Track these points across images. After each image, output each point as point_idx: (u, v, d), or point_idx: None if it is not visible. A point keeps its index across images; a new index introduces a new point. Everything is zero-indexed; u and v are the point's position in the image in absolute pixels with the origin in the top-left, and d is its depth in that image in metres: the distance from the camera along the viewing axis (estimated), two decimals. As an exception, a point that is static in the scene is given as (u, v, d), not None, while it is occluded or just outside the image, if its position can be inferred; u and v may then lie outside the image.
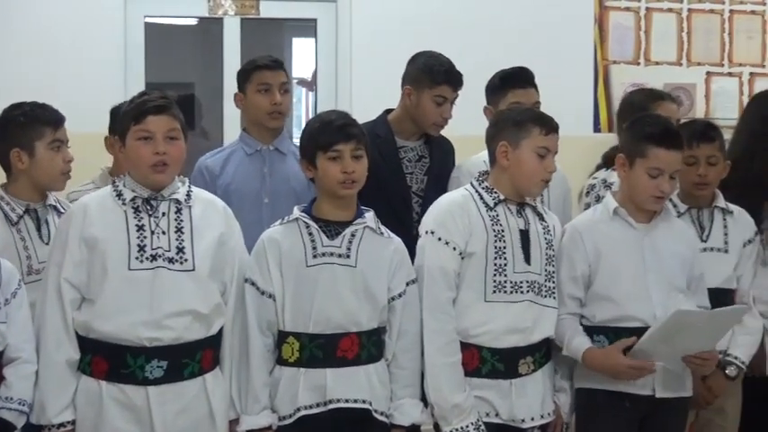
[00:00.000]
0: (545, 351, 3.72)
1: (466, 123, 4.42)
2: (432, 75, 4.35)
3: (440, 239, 3.60)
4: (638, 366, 3.59)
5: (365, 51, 6.11)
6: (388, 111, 4.51)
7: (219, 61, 6.25)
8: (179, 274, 3.39)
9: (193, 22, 6.83)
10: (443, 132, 4.57)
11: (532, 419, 3.65)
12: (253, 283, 3.51)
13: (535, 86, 4.46)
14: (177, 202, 3.47)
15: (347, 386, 3.47)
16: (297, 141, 4.07)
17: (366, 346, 3.52)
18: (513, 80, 4.44)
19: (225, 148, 4.55)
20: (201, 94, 6.73)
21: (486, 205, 3.66)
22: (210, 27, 6.48)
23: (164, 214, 3.44)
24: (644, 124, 3.79)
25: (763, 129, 4.41)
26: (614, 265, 3.73)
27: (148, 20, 6.21)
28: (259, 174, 4.39)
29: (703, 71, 6.58)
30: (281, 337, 3.51)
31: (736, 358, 3.97)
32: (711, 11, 6.60)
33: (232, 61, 6.00)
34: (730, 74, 6.62)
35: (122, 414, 3.35)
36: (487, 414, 3.61)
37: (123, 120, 3.47)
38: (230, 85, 4.81)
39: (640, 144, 3.71)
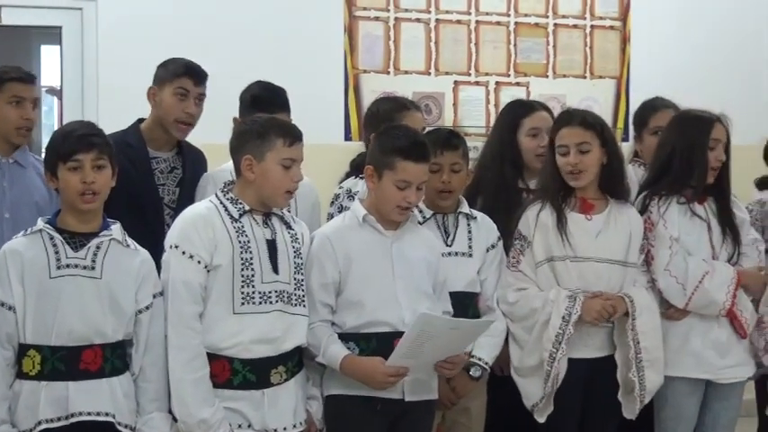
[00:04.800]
0: (297, 360, 3.73)
1: (217, 131, 4.39)
2: (170, 68, 4.36)
3: (184, 253, 3.57)
4: (394, 373, 3.65)
5: (112, 59, 5.99)
6: (141, 120, 4.45)
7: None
8: None
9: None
10: (196, 143, 4.55)
11: (285, 429, 3.65)
12: (-8, 295, 3.40)
13: (286, 110, 4.45)
14: None
15: (90, 399, 3.41)
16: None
17: (110, 359, 3.47)
18: (263, 103, 4.37)
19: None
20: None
21: (231, 217, 3.64)
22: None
23: None
24: (392, 137, 3.84)
25: (509, 136, 4.55)
26: (364, 272, 3.78)
27: None
28: (-3, 188, 4.24)
29: (451, 80, 6.72)
30: (22, 350, 3.42)
31: (480, 359, 4.06)
32: (458, 21, 6.75)
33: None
34: (477, 83, 6.78)
35: None
36: (240, 425, 3.60)
37: None
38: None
39: (388, 157, 3.76)
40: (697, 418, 4.35)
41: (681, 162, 4.32)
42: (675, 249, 4.25)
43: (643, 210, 4.31)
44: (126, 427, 3.50)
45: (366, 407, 3.75)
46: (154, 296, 3.57)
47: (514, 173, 4.51)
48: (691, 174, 4.30)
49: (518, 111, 4.62)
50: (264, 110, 4.19)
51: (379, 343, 3.73)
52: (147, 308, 3.55)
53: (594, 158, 4.13)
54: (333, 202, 4.41)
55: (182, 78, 4.33)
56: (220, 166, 4.32)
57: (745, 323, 4.29)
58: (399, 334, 3.69)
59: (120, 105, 5.05)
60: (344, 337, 3.75)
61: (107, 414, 3.44)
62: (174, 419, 3.57)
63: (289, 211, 3.98)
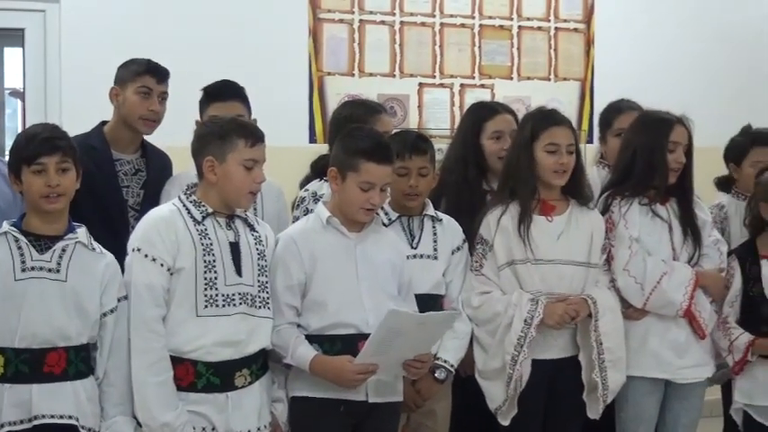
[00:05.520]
0: (262, 363, 3.73)
1: (181, 133, 4.38)
2: (132, 67, 4.38)
3: (146, 256, 3.56)
4: (362, 371, 3.65)
5: (75, 61, 5.95)
6: (104, 123, 4.45)
7: None
8: None
9: None
10: (159, 145, 4.54)
11: (249, 432, 3.66)
12: (-44, 299, 3.39)
13: (240, 99, 4.47)
14: None
15: (53, 402, 3.41)
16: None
17: (74, 362, 3.46)
18: (214, 94, 4.46)
19: None
20: None
21: (194, 219, 3.63)
22: None
23: None
24: (355, 138, 3.85)
25: (473, 139, 4.55)
26: (328, 274, 3.78)
27: None
28: (-43, 194, 4.22)
29: (416, 82, 6.71)
30: (-15, 353, 3.41)
31: (445, 362, 4.07)
32: (423, 24, 6.75)
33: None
34: (442, 85, 6.78)
35: None
36: (204, 429, 3.60)
37: None
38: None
39: (352, 158, 3.77)
40: (658, 419, 4.38)
41: (642, 163, 4.34)
42: (635, 249, 4.28)
43: (605, 210, 4.33)
44: (89, 430, 3.49)
45: (330, 409, 3.76)
46: (119, 300, 3.57)
47: (478, 175, 4.52)
48: (652, 175, 4.33)
49: (481, 113, 4.63)
50: (216, 101, 4.29)
51: (344, 345, 3.73)
52: (112, 311, 3.55)
53: (574, 160, 4.18)
54: (298, 205, 4.39)
55: (144, 77, 4.35)
56: (187, 168, 4.30)
57: (704, 324, 4.32)
58: (364, 336, 3.70)
59: (83, 107, 5.03)
60: (309, 339, 3.76)
61: (70, 417, 3.44)
62: (139, 424, 3.56)
63: (255, 213, 3.98)
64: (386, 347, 3.67)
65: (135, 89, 4.33)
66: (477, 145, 4.54)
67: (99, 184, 4.17)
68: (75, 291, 3.47)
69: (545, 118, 4.24)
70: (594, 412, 4.20)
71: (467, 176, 4.49)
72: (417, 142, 4.17)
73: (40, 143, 3.47)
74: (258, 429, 3.68)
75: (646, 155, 4.34)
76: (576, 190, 4.23)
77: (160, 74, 4.40)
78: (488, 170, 4.53)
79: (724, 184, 5.04)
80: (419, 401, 4.08)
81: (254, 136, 3.66)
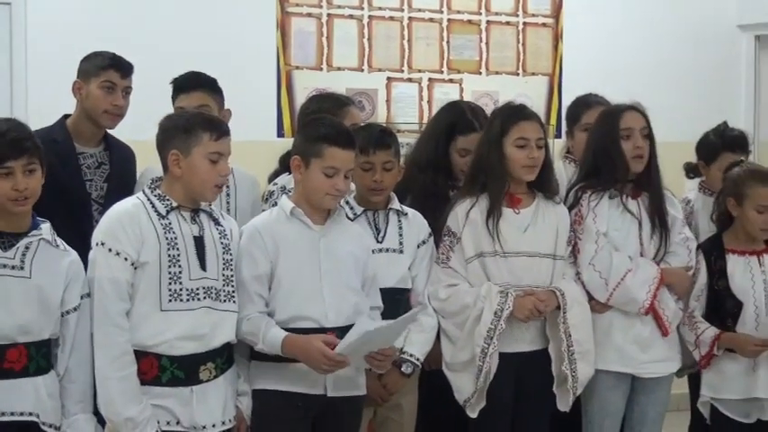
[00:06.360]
0: (227, 356, 3.71)
1: (146, 128, 4.35)
2: (96, 61, 4.35)
3: (110, 250, 3.54)
4: (331, 357, 3.62)
5: (41, 55, 5.92)
6: (67, 116, 4.42)
7: None
8: None
9: None
10: (124, 139, 4.52)
11: (214, 426, 3.64)
12: None
13: (206, 90, 4.46)
14: None
15: (13, 398, 3.38)
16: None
17: (35, 358, 3.44)
18: (179, 85, 4.46)
19: None
20: None
21: (159, 213, 3.61)
22: None
23: None
24: (317, 125, 3.87)
25: (444, 149, 4.52)
26: (291, 266, 3.77)
27: None
28: None
29: (384, 77, 6.71)
30: (-53, 347, 3.38)
31: (411, 356, 4.06)
32: (391, 18, 6.75)
33: None
34: (410, 79, 6.78)
35: None
36: (168, 422, 3.58)
37: None
38: None
39: (315, 145, 3.77)
40: (625, 412, 4.39)
41: (600, 155, 4.36)
42: (602, 244, 4.28)
43: (575, 203, 4.33)
44: (50, 426, 3.47)
45: (288, 402, 3.75)
46: (82, 297, 3.55)
47: (446, 182, 4.50)
48: (612, 165, 4.33)
49: (455, 127, 4.53)
50: (181, 92, 4.31)
51: None
52: (75, 309, 3.53)
53: (543, 154, 4.18)
54: (267, 199, 4.38)
55: (108, 71, 4.32)
56: (150, 162, 4.28)
57: (667, 321, 4.33)
58: (323, 330, 3.71)
59: (49, 101, 4.97)
60: None
61: (30, 414, 3.41)
62: (99, 421, 3.55)
63: (228, 204, 4.00)
64: (360, 348, 3.68)
65: (99, 83, 4.31)
66: (448, 154, 4.52)
67: (62, 177, 4.14)
68: (39, 287, 3.44)
69: (514, 113, 4.23)
70: (564, 404, 4.22)
71: (436, 181, 4.48)
72: (381, 137, 4.17)
73: (6, 146, 3.41)
74: (223, 423, 3.67)
75: (601, 146, 4.36)
76: (543, 184, 4.23)
77: (124, 68, 4.37)
78: (456, 178, 4.51)
79: (694, 170, 5.04)
80: (385, 396, 4.07)
81: (219, 129, 3.65)
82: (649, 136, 4.38)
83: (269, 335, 3.69)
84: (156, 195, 3.65)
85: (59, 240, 3.56)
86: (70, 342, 3.51)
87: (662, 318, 4.31)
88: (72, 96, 4.41)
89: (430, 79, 6.82)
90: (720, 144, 4.92)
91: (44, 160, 3.53)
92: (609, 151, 4.33)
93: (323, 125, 3.86)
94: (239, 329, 3.71)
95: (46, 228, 3.53)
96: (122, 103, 4.35)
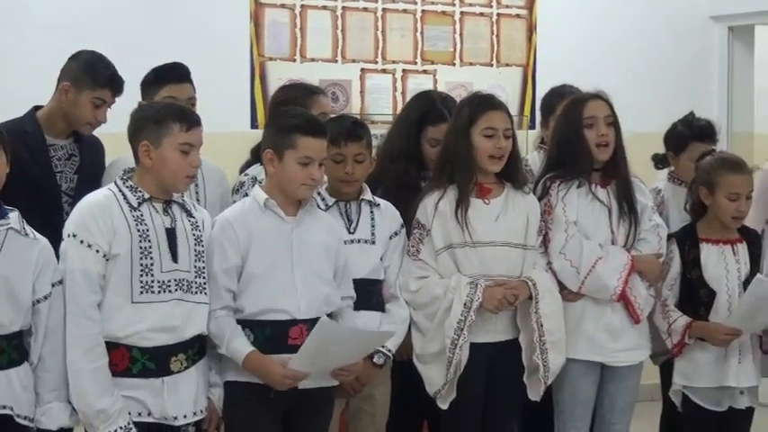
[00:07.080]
0: (198, 348, 3.71)
1: (120, 120, 4.34)
2: (94, 77, 4.29)
3: (82, 242, 3.54)
4: (292, 376, 3.65)
5: (6, 47, 5.86)
6: (37, 107, 4.39)
7: None
8: None
9: None
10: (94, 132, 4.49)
11: (185, 417, 3.64)
12: None
13: (191, 82, 4.47)
14: None
15: None
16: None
17: (7, 351, 3.42)
18: (168, 75, 4.44)
19: None
20: None
21: (130, 205, 3.61)
22: None
23: None
24: (288, 117, 3.87)
25: (416, 140, 4.52)
26: (263, 258, 3.77)
27: None
28: None
29: (358, 68, 6.69)
30: None
31: (383, 347, 4.05)
32: (365, 9, 6.72)
33: None
34: (384, 70, 6.76)
35: None
36: (140, 414, 3.58)
37: None
38: None
39: (288, 135, 3.77)
40: (596, 401, 4.40)
41: (565, 146, 4.36)
42: (572, 233, 4.29)
43: (544, 194, 4.34)
44: (25, 418, 3.45)
45: (259, 394, 3.74)
46: (53, 285, 3.53)
47: (418, 172, 4.50)
48: (577, 154, 4.34)
49: (426, 117, 4.53)
50: (170, 83, 4.31)
51: (273, 331, 3.73)
52: (46, 297, 3.50)
53: (510, 145, 4.18)
54: (237, 190, 4.38)
55: (104, 90, 4.28)
56: (120, 154, 4.26)
57: (638, 309, 4.34)
58: (294, 322, 3.72)
59: (16, 94, 4.92)
60: (241, 324, 3.75)
61: (4, 407, 3.40)
62: (74, 409, 3.54)
63: (197, 197, 3.95)
64: (319, 355, 3.67)
65: (91, 98, 4.26)
66: (419, 145, 4.52)
67: (32, 169, 4.13)
68: (6, 278, 3.41)
69: (482, 102, 4.24)
70: (536, 394, 4.23)
71: (408, 171, 4.48)
72: (353, 128, 4.16)
73: None
74: (194, 414, 3.67)
75: (565, 136, 4.37)
76: (511, 174, 4.24)
77: (120, 89, 4.33)
78: (428, 169, 4.51)
79: (663, 160, 5.05)
80: (358, 387, 4.06)
81: (190, 120, 3.64)
82: (614, 124, 4.38)
83: (232, 345, 3.70)
84: (127, 187, 3.64)
85: (29, 228, 3.53)
86: (43, 331, 3.50)
87: (633, 305, 4.33)
88: (40, 88, 4.37)
89: (404, 70, 6.80)
90: (689, 134, 4.94)
91: (8, 148, 3.50)
92: (572, 141, 4.34)
93: (293, 116, 3.86)
94: (207, 324, 3.71)
95: (14, 216, 3.50)
96: (104, 118, 4.33)
